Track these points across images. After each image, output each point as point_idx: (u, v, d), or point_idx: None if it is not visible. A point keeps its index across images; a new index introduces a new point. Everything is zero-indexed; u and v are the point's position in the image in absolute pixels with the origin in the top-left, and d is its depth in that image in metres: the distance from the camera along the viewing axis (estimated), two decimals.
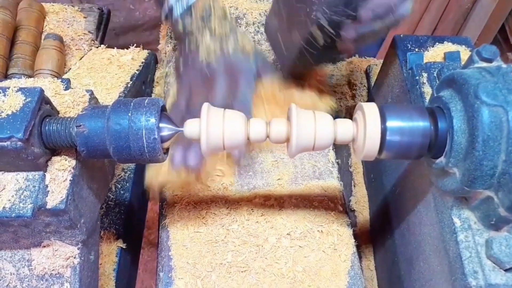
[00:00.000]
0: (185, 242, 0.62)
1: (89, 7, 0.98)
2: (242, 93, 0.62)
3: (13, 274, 0.51)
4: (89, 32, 0.94)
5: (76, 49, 0.91)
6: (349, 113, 0.90)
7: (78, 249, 0.52)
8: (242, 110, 0.49)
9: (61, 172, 0.47)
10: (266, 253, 0.62)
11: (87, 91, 0.53)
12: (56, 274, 0.51)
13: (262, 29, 0.84)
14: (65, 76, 0.81)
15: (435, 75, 0.59)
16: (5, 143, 0.43)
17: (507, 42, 1.97)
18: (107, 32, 1.01)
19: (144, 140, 0.44)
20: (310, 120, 0.46)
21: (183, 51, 0.64)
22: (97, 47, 0.89)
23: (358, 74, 0.95)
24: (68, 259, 0.51)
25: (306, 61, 0.61)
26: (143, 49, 0.87)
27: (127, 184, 0.77)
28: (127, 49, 0.86)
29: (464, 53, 0.63)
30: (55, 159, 0.48)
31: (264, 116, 0.64)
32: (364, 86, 0.93)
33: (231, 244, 0.62)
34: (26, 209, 0.45)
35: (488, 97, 0.40)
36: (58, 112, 0.50)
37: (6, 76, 0.81)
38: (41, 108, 0.46)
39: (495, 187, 0.42)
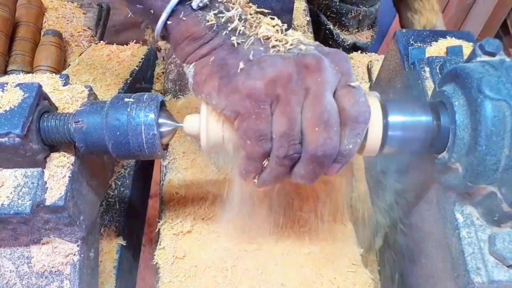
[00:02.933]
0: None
1: (88, 3, 0.98)
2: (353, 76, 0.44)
3: (13, 271, 0.51)
4: (88, 28, 0.94)
5: (76, 46, 0.90)
6: None
7: (77, 246, 0.51)
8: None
9: (60, 169, 0.47)
10: (264, 250, 0.62)
11: (86, 87, 0.53)
12: (55, 271, 0.51)
13: None
14: (64, 73, 0.80)
15: (437, 69, 0.58)
16: (3, 139, 0.42)
17: (509, 37, 1.96)
18: (108, 28, 1.01)
19: (143, 136, 0.44)
20: None
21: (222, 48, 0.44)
22: (97, 43, 0.88)
23: (360, 69, 0.94)
24: (67, 256, 0.51)
25: None
26: (142, 45, 0.87)
27: (127, 181, 0.77)
28: (127, 45, 0.86)
29: (467, 47, 0.62)
30: (54, 155, 0.48)
31: None
32: (366, 81, 0.92)
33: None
34: (25, 206, 0.44)
35: (491, 91, 0.40)
36: (56, 108, 0.50)
37: (5, 73, 0.80)
38: (39, 103, 0.46)
39: (498, 183, 0.41)
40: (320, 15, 1.13)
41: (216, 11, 0.44)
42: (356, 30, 1.17)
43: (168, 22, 0.44)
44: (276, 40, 0.44)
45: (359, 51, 1.18)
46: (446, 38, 0.65)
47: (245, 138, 0.42)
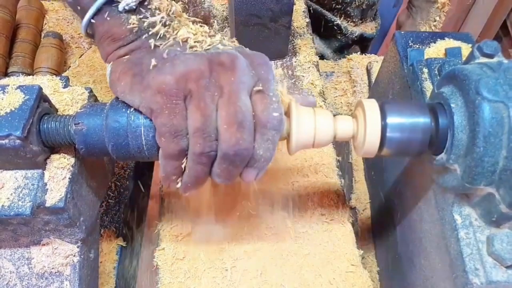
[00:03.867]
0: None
1: None
2: (272, 82, 0.44)
3: (13, 272, 0.51)
4: None
5: (76, 47, 0.91)
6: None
7: (77, 247, 0.52)
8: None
9: (60, 170, 0.47)
10: (264, 251, 0.62)
11: (86, 88, 0.53)
12: (55, 272, 0.51)
13: None
14: (64, 74, 0.81)
15: (436, 71, 0.58)
16: (3, 141, 0.42)
17: (508, 38, 1.96)
18: None
19: (143, 138, 0.44)
20: (310, 116, 0.46)
21: (141, 51, 0.44)
22: None
23: (359, 71, 0.95)
24: (67, 257, 0.51)
25: None
26: None
27: (127, 182, 0.77)
28: None
29: (465, 49, 0.63)
30: (54, 157, 0.48)
31: None
32: (365, 83, 0.92)
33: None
34: (25, 207, 0.45)
35: (489, 93, 0.40)
36: (57, 110, 0.50)
37: (6, 75, 0.81)
38: (40, 106, 0.46)
39: (496, 184, 0.42)
40: (325, 13, 1.16)
41: (141, 16, 0.44)
42: (361, 22, 1.22)
43: (93, 21, 0.44)
44: (195, 42, 0.45)
45: (365, 46, 1.26)
46: (444, 39, 0.65)
47: (160, 135, 0.42)
